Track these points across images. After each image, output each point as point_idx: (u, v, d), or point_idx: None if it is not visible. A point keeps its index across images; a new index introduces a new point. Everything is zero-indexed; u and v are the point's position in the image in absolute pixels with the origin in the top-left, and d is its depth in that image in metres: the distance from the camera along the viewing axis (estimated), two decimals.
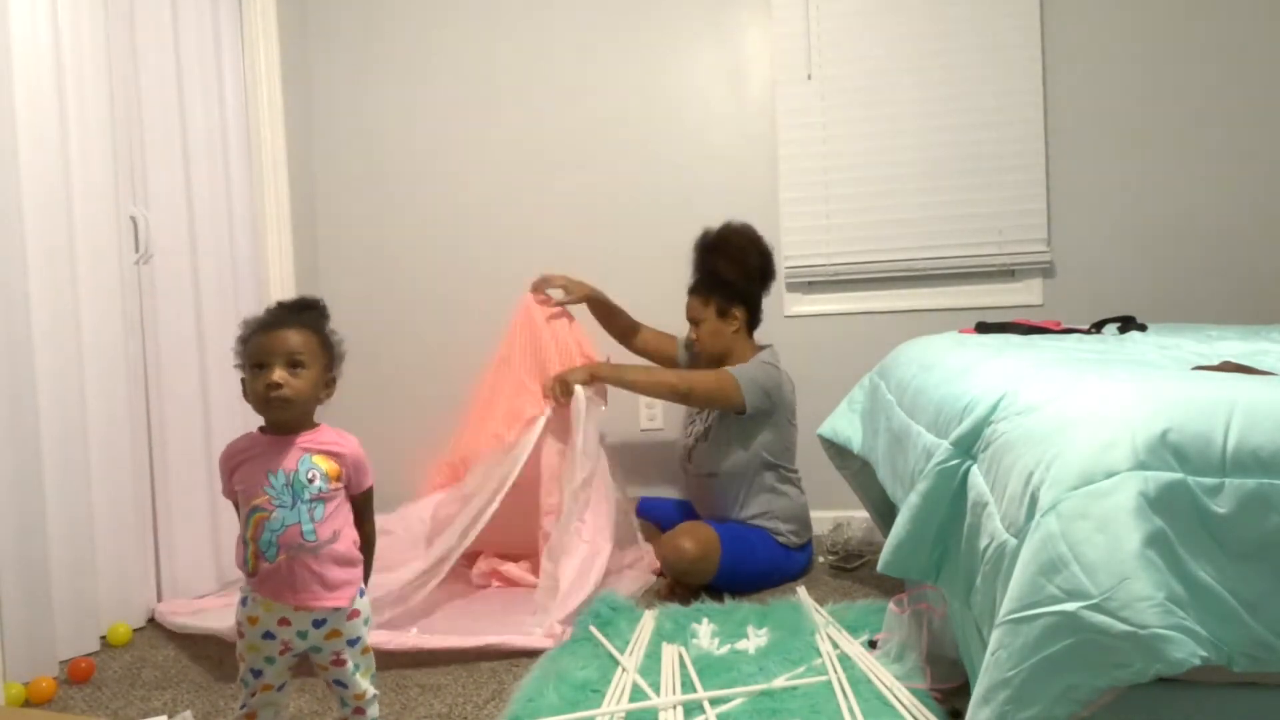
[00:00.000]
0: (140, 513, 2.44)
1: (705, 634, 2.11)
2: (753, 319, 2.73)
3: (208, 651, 2.20)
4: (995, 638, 1.11)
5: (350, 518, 1.46)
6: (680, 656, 1.99)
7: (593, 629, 2.16)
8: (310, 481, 1.39)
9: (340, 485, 1.43)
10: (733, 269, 2.66)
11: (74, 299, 2.21)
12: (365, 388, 3.31)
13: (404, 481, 3.06)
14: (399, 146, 3.36)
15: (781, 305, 3.14)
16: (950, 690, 1.70)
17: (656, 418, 3.20)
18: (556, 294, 2.70)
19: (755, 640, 2.06)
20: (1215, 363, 1.48)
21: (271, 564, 1.37)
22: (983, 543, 1.27)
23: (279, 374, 1.37)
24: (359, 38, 3.36)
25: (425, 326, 3.36)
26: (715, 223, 3.18)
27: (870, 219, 3.07)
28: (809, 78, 3.08)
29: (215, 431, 2.70)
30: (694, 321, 2.70)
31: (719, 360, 2.68)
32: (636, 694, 1.82)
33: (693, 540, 2.42)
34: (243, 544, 1.40)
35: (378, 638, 2.06)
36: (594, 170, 3.24)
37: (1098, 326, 2.36)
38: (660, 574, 2.61)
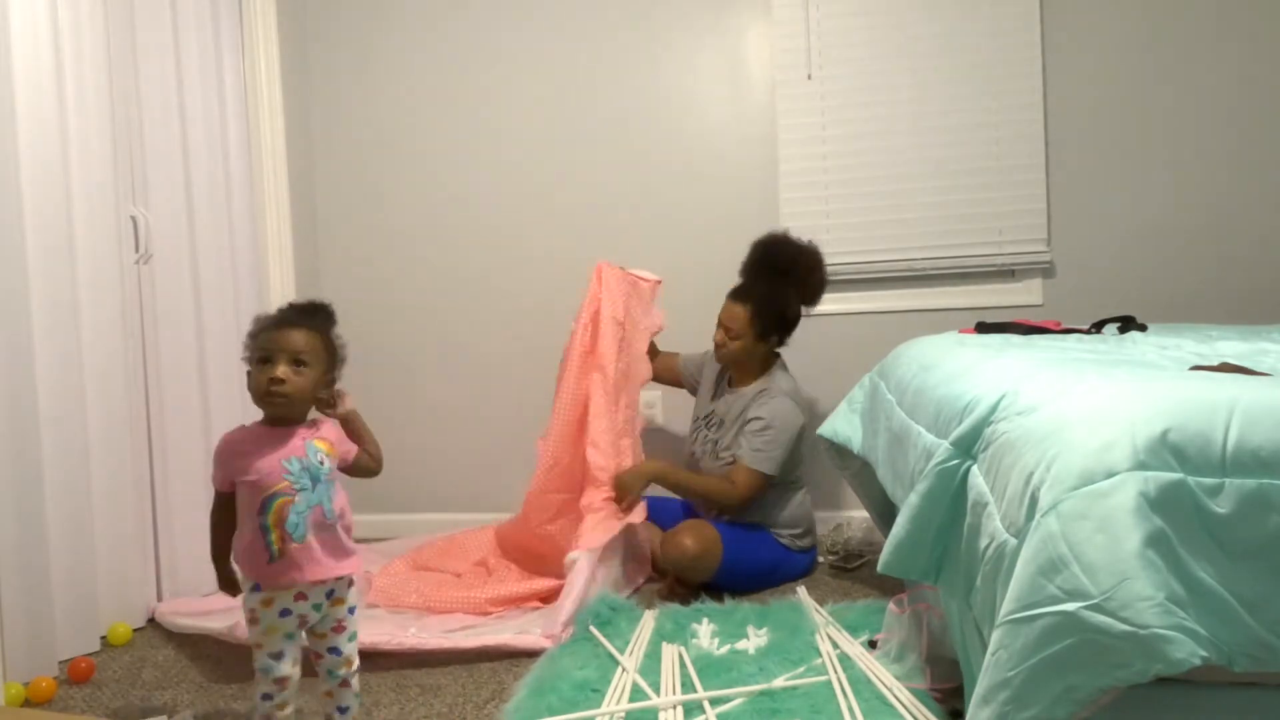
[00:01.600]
0: (140, 512, 2.44)
1: (705, 634, 2.11)
2: (781, 344, 2.70)
3: (208, 651, 2.20)
4: (995, 638, 1.11)
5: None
6: (680, 656, 1.99)
7: (592, 629, 2.16)
8: (322, 464, 1.51)
9: (336, 464, 1.56)
10: (795, 306, 2.62)
11: (74, 298, 2.21)
12: (366, 388, 3.30)
13: (404, 480, 3.07)
14: (399, 146, 3.35)
15: None
16: (950, 690, 1.70)
17: (657, 416, 3.20)
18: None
19: (755, 640, 2.06)
20: (1215, 363, 1.48)
21: (301, 544, 1.47)
22: (983, 543, 1.27)
23: (282, 370, 1.46)
24: (359, 38, 3.36)
25: (426, 326, 3.36)
26: (715, 222, 3.17)
27: (870, 219, 3.07)
28: (809, 78, 3.08)
29: (215, 431, 2.69)
30: (727, 328, 2.61)
31: (735, 365, 2.69)
32: (636, 694, 1.82)
33: (694, 537, 2.42)
34: (261, 532, 1.45)
35: (376, 638, 2.06)
36: (594, 170, 3.24)
37: (1098, 326, 2.36)
38: (657, 574, 2.61)
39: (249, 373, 1.51)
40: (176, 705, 1.91)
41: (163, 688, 2.01)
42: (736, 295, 2.62)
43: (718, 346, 2.66)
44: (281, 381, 1.45)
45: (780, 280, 2.62)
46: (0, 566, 1.96)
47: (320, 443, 1.52)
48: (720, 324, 2.63)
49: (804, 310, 2.68)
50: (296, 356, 1.47)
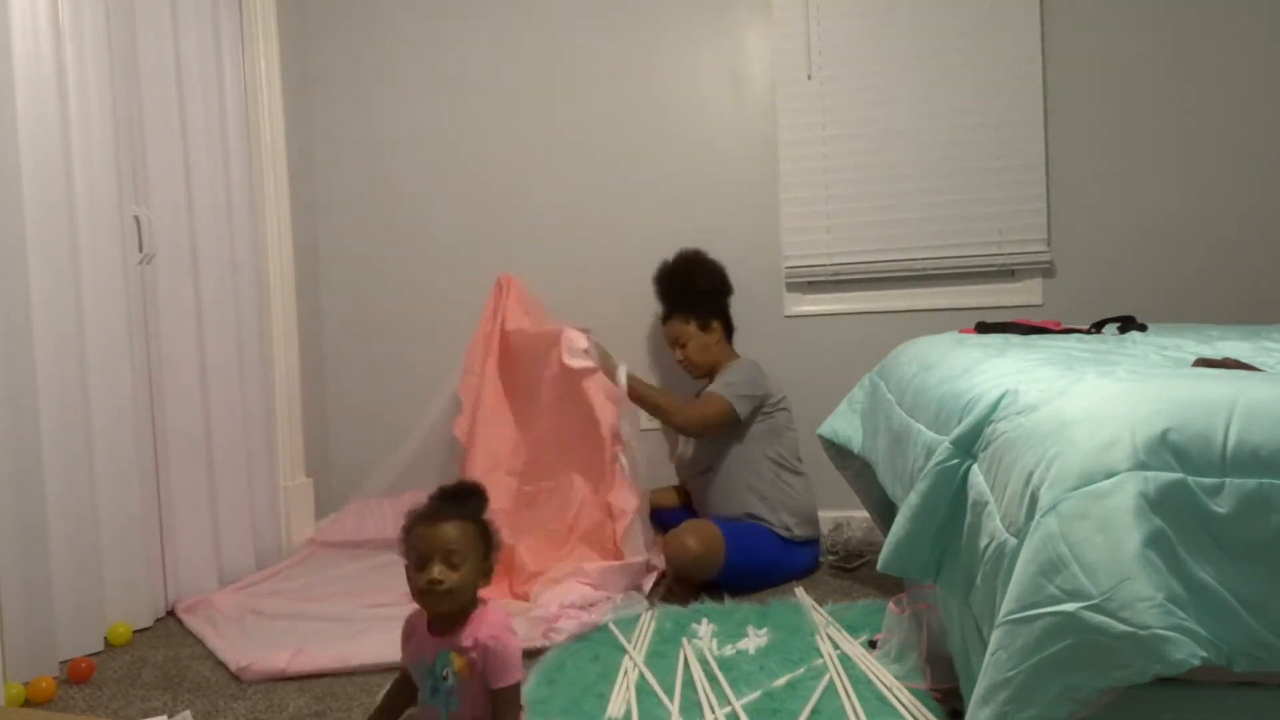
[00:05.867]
0: (145, 513, 2.43)
1: (705, 634, 2.11)
2: (729, 329, 2.85)
3: (208, 652, 2.20)
4: (995, 638, 1.11)
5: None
6: (680, 656, 1.99)
7: (611, 626, 2.17)
8: (444, 679, 1.42)
9: (475, 676, 1.42)
10: (707, 281, 2.82)
11: (77, 298, 2.20)
12: (367, 389, 3.31)
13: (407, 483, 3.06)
14: (399, 146, 3.35)
15: (781, 305, 3.14)
16: (950, 690, 1.70)
17: None
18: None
19: (755, 640, 2.06)
20: (1219, 358, 1.47)
21: None
22: (983, 542, 1.27)
23: (438, 571, 1.39)
24: (359, 38, 3.36)
25: (426, 326, 3.36)
26: (715, 222, 3.18)
27: (870, 219, 3.07)
28: (809, 78, 3.08)
29: (216, 432, 2.70)
30: (678, 343, 2.81)
31: (711, 371, 2.77)
32: (640, 693, 1.82)
33: (696, 538, 2.42)
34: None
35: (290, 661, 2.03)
36: (594, 170, 3.23)
37: (1098, 326, 2.35)
38: (663, 575, 2.61)
39: (407, 568, 1.44)
40: (176, 705, 1.91)
41: (163, 688, 2.00)
42: (665, 316, 2.86)
43: (690, 364, 2.82)
44: (440, 582, 1.39)
45: (687, 276, 2.83)
46: (1, 566, 1.96)
47: (456, 655, 1.42)
48: (671, 347, 2.84)
49: (726, 293, 2.87)
50: (449, 554, 1.40)
